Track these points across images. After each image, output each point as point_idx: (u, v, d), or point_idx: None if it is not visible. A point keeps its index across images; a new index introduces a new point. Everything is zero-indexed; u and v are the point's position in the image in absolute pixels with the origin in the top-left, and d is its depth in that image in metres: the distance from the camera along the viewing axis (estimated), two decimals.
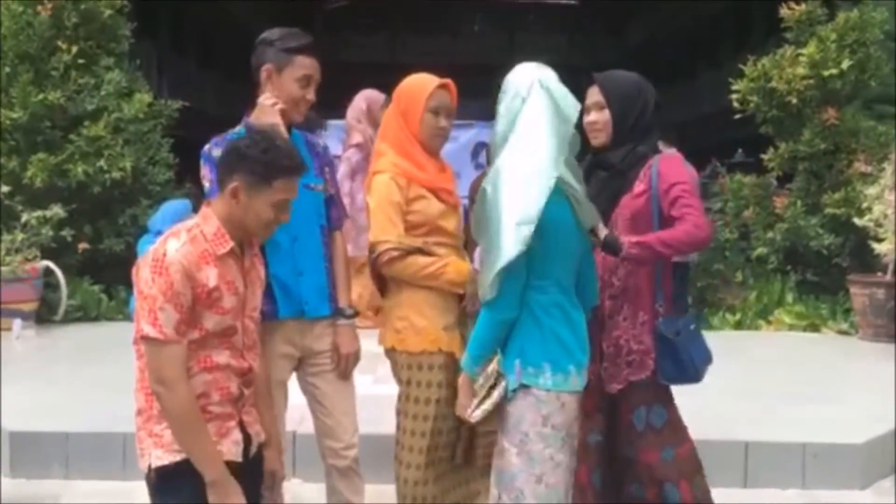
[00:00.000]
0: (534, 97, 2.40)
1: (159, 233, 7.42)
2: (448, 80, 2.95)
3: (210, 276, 2.14)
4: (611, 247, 2.60)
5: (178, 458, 2.13)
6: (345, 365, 2.88)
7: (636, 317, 2.76)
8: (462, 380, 2.50)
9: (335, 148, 8.54)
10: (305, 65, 2.75)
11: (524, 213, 2.27)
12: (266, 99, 2.76)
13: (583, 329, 2.47)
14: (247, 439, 2.26)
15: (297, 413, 3.23)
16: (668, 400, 2.84)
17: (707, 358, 2.83)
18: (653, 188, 2.73)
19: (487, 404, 2.42)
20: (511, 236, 2.27)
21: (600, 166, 2.80)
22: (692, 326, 2.81)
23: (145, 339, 2.09)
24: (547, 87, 2.42)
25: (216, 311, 2.15)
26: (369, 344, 2.97)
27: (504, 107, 2.44)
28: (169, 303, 2.08)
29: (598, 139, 2.79)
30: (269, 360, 2.65)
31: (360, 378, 3.09)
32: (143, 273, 2.12)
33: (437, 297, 2.87)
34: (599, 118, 2.77)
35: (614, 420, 2.81)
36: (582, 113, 2.66)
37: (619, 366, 2.76)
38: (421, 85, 2.92)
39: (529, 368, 2.37)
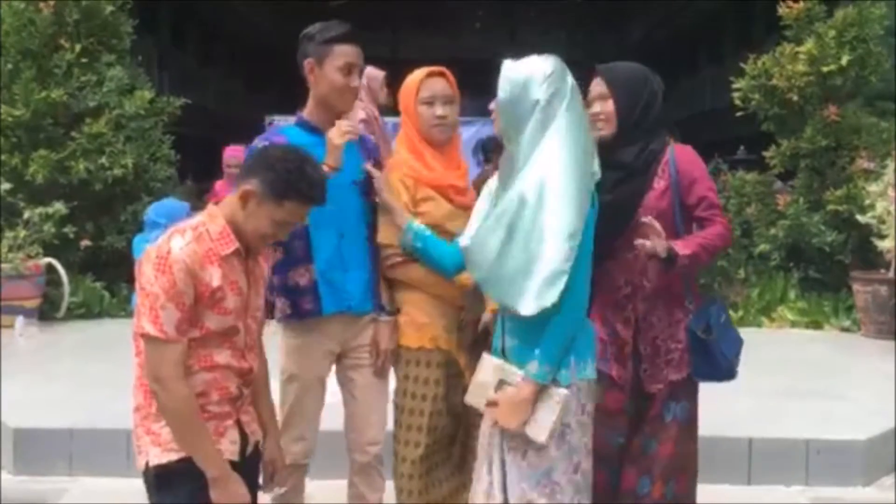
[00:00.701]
0: (572, 99, 2.32)
1: (153, 223, 7.48)
2: (441, 68, 2.93)
3: (214, 276, 2.13)
4: (669, 260, 2.61)
5: (175, 456, 2.13)
6: (382, 361, 2.89)
7: (671, 316, 2.77)
8: (526, 394, 2.31)
9: None
10: (346, 52, 2.75)
11: (573, 228, 2.25)
12: (342, 125, 2.74)
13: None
14: (244, 438, 2.25)
15: None
16: (695, 397, 2.87)
17: (738, 349, 2.87)
18: (673, 183, 2.72)
19: (553, 420, 2.30)
20: (563, 251, 2.23)
21: (611, 166, 2.66)
22: (722, 318, 2.82)
23: (145, 336, 2.08)
24: (576, 87, 2.35)
25: (218, 310, 2.14)
26: None
27: (530, 105, 2.29)
28: (171, 301, 2.07)
29: (604, 130, 2.72)
30: (309, 358, 2.72)
31: None
32: (145, 269, 2.10)
33: (439, 295, 2.88)
34: (604, 109, 2.73)
35: (641, 417, 2.80)
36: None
37: (659, 366, 2.77)
38: (411, 79, 2.92)
39: (580, 363, 2.37)
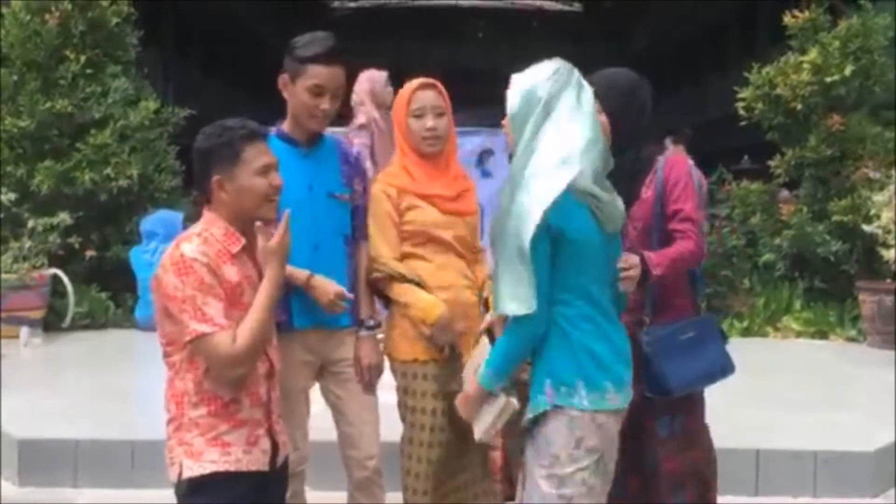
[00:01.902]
0: (578, 95, 2.27)
1: (150, 234, 7.47)
2: (432, 80, 2.93)
3: (231, 273, 2.15)
4: (642, 276, 2.54)
5: (208, 469, 2.13)
6: (367, 376, 2.84)
7: (629, 328, 2.67)
8: (472, 392, 2.37)
9: None
10: (318, 74, 2.69)
11: (543, 199, 2.15)
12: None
13: (622, 341, 2.33)
14: (274, 448, 2.25)
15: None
16: (694, 408, 2.83)
17: (690, 377, 2.71)
18: (658, 193, 2.71)
19: (487, 421, 2.35)
20: (530, 225, 2.15)
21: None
22: (684, 336, 2.72)
23: (199, 338, 2.07)
24: (581, 83, 2.31)
25: (240, 307, 2.15)
26: None
27: (535, 103, 2.26)
28: (208, 295, 2.08)
29: None
30: (288, 368, 2.61)
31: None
32: (167, 279, 2.10)
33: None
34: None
35: (639, 432, 2.73)
36: None
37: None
38: (401, 92, 2.94)
39: (562, 388, 2.21)
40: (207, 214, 2.22)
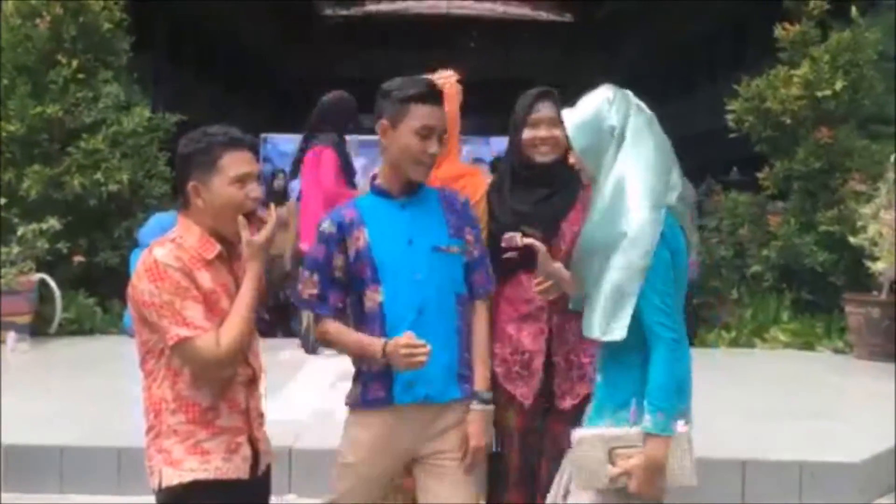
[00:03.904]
0: (642, 118, 2.32)
1: (152, 232, 7.46)
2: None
3: (205, 279, 2.13)
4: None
5: (188, 478, 2.11)
6: (472, 459, 2.48)
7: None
8: (657, 453, 2.16)
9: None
10: (424, 114, 2.42)
11: (656, 222, 2.19)
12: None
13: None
14: (255, 457, 2.23)
15: (293, 429, 3.22)
16: None
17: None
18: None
19: (685, 461, 2.18)
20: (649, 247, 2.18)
21: (540, 183, 2.73)
22: None
23: (182, 342, 2.05)
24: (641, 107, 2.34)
25: (216, 313, 2.13)
26: None
27: (608, 133, 2.28)
28: (186, 299, 2.06)
29: (547, 155, 2.71)
30: (376, 453, 2.43)
31: None
32: (141, 286, 2.09)
33: None
34: (552, 133, 2.68)
35: (561, 437, 2.59)
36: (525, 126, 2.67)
37: (572, 380, 2.68)
38: None
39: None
40: (183, 220, 2.20)
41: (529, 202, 2.71)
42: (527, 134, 2.72)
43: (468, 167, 2.97)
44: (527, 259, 2.57)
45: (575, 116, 2.31)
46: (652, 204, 2.21)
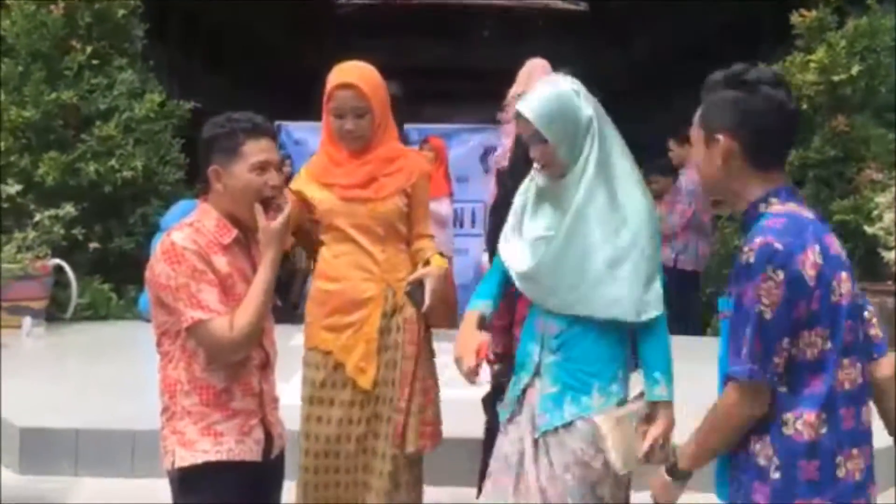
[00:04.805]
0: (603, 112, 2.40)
1: (173, 220, 7.47)
2: (351, 81, 2.83)
3: (221, 263, 2.15)
4: None
5: (200, 459, 2.13)
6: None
7: None
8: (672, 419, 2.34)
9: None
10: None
11: (655, 223, 2.40)
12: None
13: None
14: (268, 440, 2.25)
15: (294, 413, 3.23)
16: None
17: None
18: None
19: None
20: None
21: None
22: None
23: (197, 324, 2.07)
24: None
25: (232, 297, 2.15)
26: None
27: (584, 122, 2.33)
28: (201, 282, 2.08)
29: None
30: None
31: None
32: (159, 268, 2.11)
33: (324, 295, 2.87)
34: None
35: None
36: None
37: None
38: (327, 82, 2.87)
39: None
40: (202, 205, 2.23)
41: None
42: None
43: (404, 149, 3.01)
44: None
45: (547, 109, 2.30)
46: (641, 186, 2.35)
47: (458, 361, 2.38)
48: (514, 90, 3.29)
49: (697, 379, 3.08)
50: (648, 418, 2.34)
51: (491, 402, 3.04)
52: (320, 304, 2.89)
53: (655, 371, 2.34)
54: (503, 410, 2.46)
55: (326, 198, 2.85)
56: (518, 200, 2.51)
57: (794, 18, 7.93)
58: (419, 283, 2.83)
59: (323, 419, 2.86)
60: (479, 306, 2.48)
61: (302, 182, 2.93)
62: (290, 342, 3.83)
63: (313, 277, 3.00)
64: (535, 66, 4.01)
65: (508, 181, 2.95)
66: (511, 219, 2.51)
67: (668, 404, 2.34)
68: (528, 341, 2.44)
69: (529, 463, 2.33)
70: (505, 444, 2.41)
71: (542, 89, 2.35)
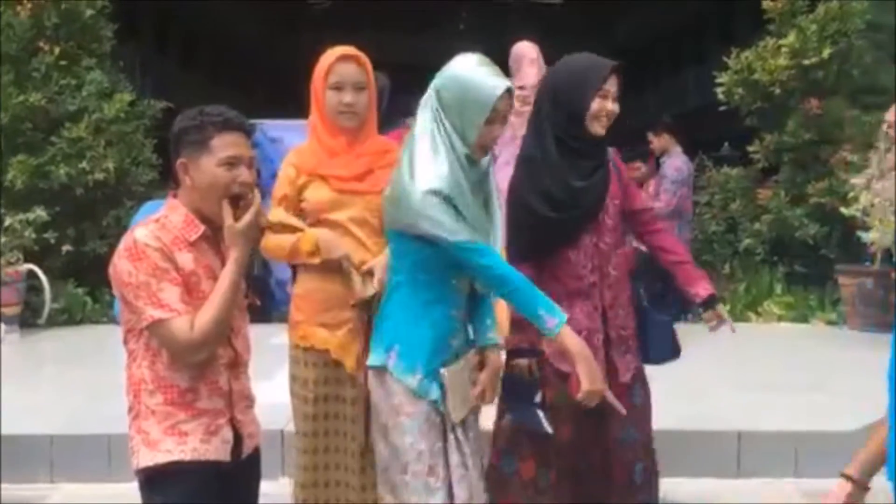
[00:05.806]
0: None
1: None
2: (355, 52, 2.81)
3: (186, 261, 2.09)
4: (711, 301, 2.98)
5: (163, 459, 2.08)
6: None
7: (630, 304, 2.82)
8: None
9: None
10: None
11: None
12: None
13: None
14: (237, 439, 2.19)
15: (285, 412, 3.19)
16: (646, 380, 2.92)
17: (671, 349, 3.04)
18: (620, 184, 2.80)
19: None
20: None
21: (588, 155, 2.70)
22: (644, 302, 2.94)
23: (156, 323, 2.02)
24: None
25: (197, 296, 2.09)
26: None
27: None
28: (163, 281, 2.02)
29: (604, 128, 2.71)
30: None
31: None
32: (121, 266, 2.05)
33: (320, 293, 2.79)
34: (614, 108, 2.70)
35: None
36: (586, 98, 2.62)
37: (625, 353, 2.77)
38: (321, 61, 2.82)
39: (402, 360, 2.40)
40: (171, 201, 2.17)
41: (584, 176, 2.67)
42: (596, 105, 2.65)
43: (392, 142, 2.96)
44: (569, 235, 2.66)
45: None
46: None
47: None
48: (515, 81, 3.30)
49: (679, 363, 3.09)
50: (480, 364, 2.45)
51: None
52: (313, 301, 2.82)
53: (487, 318, 2.46)
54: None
55: (320, 189, 2.77)
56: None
57: (766, 3, 7.97)
58: (370, 273, 2.73)
59: (320, 418, 2.82)
60: None
61: (293, 173, 2.80)
62: (270, 340, 3.79)
63: (301, 274, 2.88)
64: (522, 50, 4.02)
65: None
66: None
67: (497, 346, 2.47)
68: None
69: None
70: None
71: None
